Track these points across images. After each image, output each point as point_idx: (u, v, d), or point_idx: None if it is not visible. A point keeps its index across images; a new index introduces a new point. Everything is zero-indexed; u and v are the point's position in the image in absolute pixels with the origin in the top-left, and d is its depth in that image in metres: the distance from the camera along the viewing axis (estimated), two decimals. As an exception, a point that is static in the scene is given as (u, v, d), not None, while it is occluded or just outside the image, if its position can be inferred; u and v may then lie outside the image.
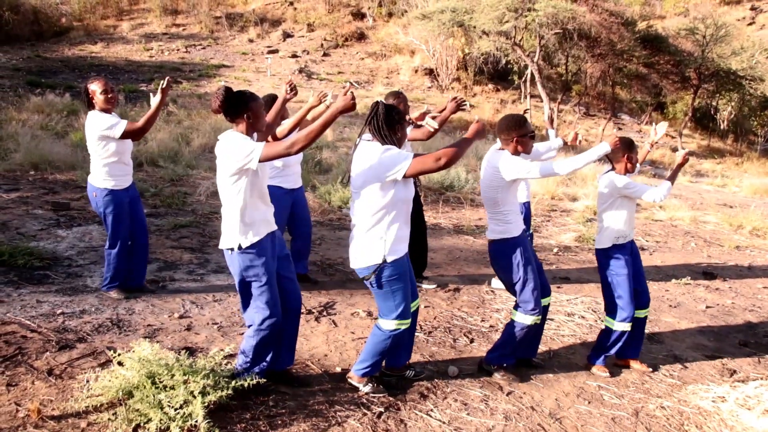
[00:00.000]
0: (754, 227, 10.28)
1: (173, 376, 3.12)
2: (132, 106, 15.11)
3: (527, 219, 5.87)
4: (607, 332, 4.29)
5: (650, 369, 4.41)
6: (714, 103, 27.02)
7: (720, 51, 22.25)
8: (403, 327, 3.48)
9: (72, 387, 3.37)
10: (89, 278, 5.18)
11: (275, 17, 28.27)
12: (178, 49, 24.16)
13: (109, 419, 3.02)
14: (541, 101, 22.05)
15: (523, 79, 24.45)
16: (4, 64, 19.36)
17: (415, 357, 4.20)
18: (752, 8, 34.74)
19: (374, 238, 3.34)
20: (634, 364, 4.44)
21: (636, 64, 22.39)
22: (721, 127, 27.86)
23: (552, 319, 5.22)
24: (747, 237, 9.90)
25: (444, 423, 3.42)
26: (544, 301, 4.04)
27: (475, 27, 20.18)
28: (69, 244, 6.02)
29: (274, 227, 3.47)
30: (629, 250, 4.24)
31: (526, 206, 5.86)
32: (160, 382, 3.11)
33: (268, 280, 3.32)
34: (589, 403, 3.86)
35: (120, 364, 3.26)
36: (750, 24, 33.23)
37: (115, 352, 3.43)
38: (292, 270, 3.58)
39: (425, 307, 5.25)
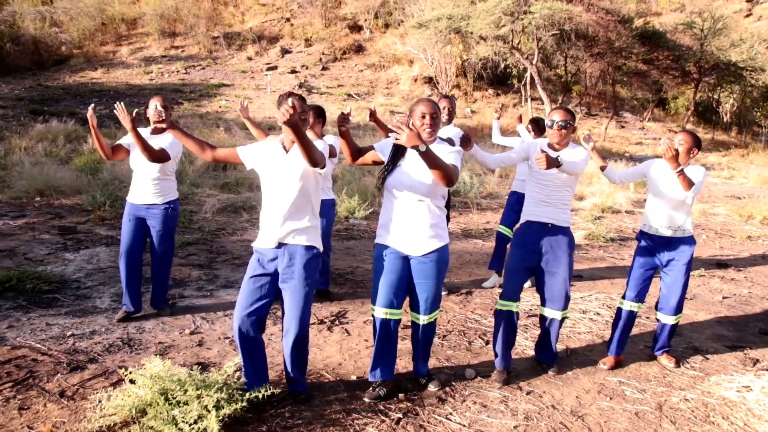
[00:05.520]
0: (765, 216, 10.18)
1: (186, 391, 3.07)
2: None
3: None
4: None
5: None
6: (716, 96, 26.94)
7: (719, 44, 22.20)
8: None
9: (84, 408, 3.32)
10: (98, 299, 5.14)
11: (272, 34, 28.45)
12: (177, 71, 24.32)
13: (123, 438, 2.98)
14: (542, 104, 22.01)
15: (523, 82, 24.44)
16: (7, 95, 19.51)
17: (431, 361, 4.13)
18: (748, 0, 34.71)
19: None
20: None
21: (635, 61, 22.36)
22: (724, 119, 27.76)
23: (567, 317, 5.14)
24: (758, 227, 9.80)
25: (464, 426, 3.35)
26: None
27: (472, 33, 20.22)
28: (77, 267, 5.99)
29: None
30: None
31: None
32: (174, 398, 3.06)
33: None
34: (611, 399, 3.78)
35: (132, 382, 3.21)
36: (747, 16, 33.21)
37: (126, 370, 3.38)
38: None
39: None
